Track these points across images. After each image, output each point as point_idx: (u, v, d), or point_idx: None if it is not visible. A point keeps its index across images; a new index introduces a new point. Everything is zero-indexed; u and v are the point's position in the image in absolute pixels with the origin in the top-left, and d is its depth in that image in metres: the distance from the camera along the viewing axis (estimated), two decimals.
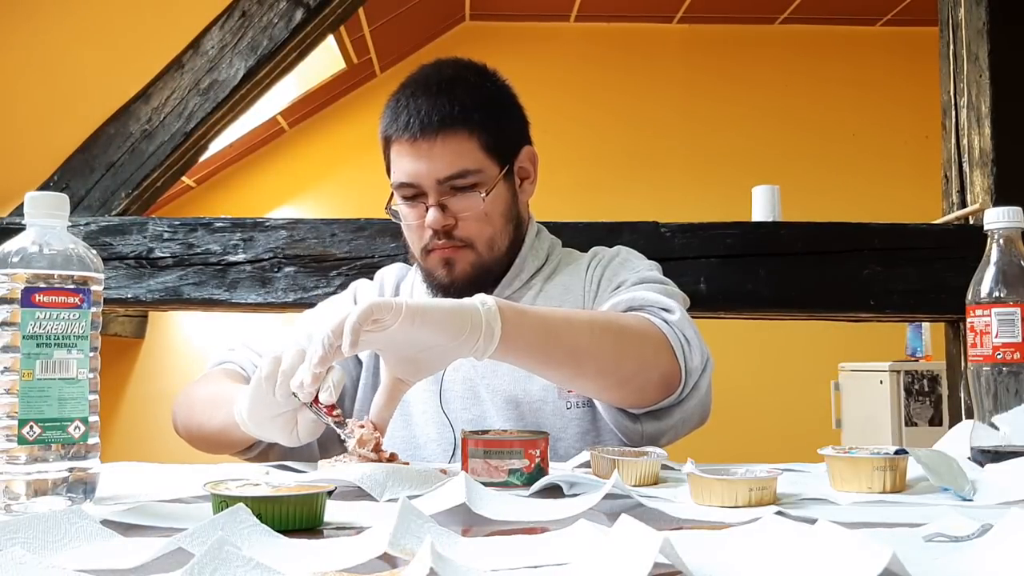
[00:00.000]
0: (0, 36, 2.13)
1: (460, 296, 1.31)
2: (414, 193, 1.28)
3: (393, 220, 1.34)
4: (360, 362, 1.38)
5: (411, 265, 1.49)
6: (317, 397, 0.99)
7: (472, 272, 1.30)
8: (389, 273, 1.47)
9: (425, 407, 1.32)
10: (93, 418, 0.83)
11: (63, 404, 0.81)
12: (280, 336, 1.37)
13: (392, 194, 1.33)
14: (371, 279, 1.50)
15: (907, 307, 2.10)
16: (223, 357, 1.35)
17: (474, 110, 1.27)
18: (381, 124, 1.31)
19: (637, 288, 1.25)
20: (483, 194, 1.27)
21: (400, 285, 1.45)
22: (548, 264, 1.40)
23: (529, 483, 0.93)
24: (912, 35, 4.63)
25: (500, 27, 4.76)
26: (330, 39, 2.85)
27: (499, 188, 1.30)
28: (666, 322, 1.17)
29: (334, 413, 1.00)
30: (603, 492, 0.83)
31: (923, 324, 3.70)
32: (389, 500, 0.87)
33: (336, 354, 0.94)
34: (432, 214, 1.26)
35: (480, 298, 1.01)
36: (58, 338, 0.81)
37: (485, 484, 0.88)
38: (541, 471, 0.97)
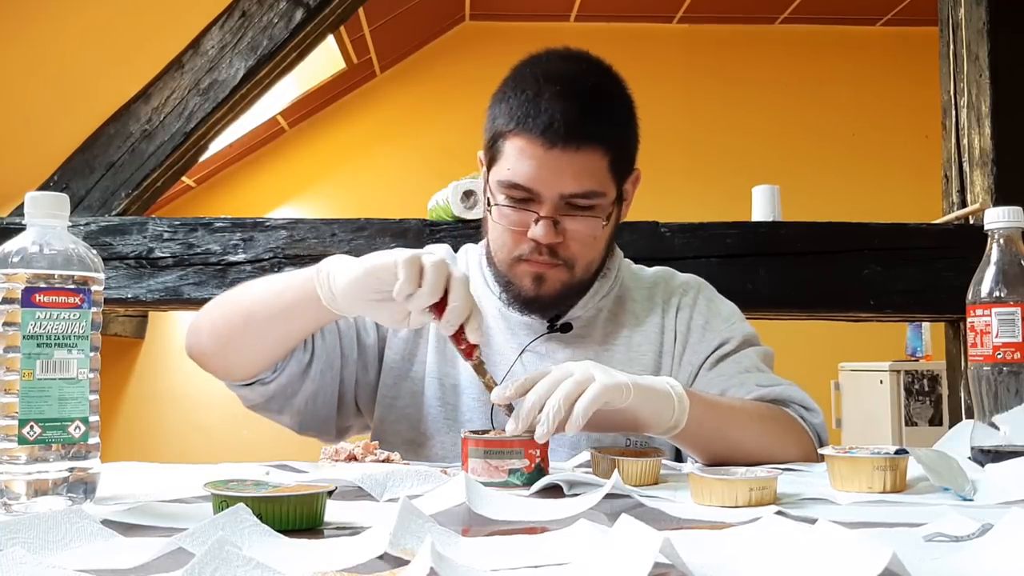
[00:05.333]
0: (0, 36, 2.13)
1: (540, 311, 1.26)
2: (526, 198, 1.18)
3: (487, 215, 1.24)
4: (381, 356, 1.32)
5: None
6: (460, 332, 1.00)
7: (561, 290, 1.24)
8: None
9: (438, 424, 1.28)
10: (93, 418, 0.83)
11: (63, 404, 0.81)
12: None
13: (487, 184, 1.23)
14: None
15: (907, 307, 2.10)
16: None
17: (612, 127, 1.20)
18: (502, 111, 1.19)
19: (749, 356, 1.27)
20: (603, 220, 1.20)
21: None
22: (616, 282, 1.34)
23: (529, 483, 0.93)
24: (912, 35, 4.63)
25: (500, 27, 4.76)
26: (330, 39, 2.85)
27: (614, 213, 1.23)
28: (810, 423, 1.20)
29: (474, 355, 1.00)
30: (603, 492, 0.83)
31: (923, 324, 3.70)
32: (389, 500, 0.87)
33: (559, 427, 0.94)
34: (543, 227, 1.17)
35: (677, 391, 1.02)
36: (58, 338, 0.81)
37: (485, 484, 0.88)
38: (541, 471, 0.96)
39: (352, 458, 1.04)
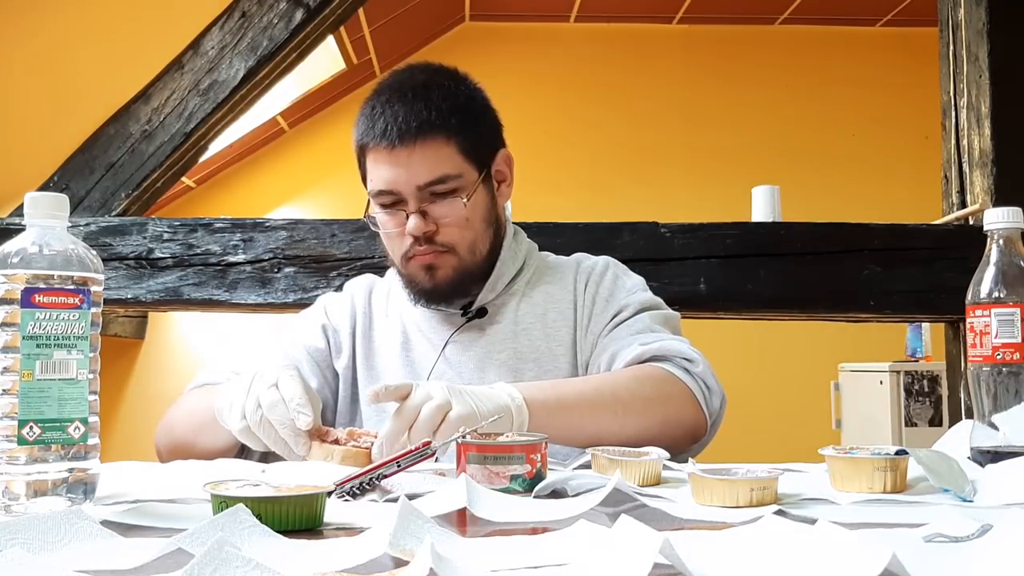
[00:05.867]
0: (1, 37, 2.13)
1: (442, 300, 1.33)
2: (393, 200, 1.28)
3: (372, 228, 1.34)
4: (337, 374, 1.39)
5: (381, 275, 1.49)
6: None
7: (454, 276, 1.31)
8: (358, 287, 1.46)
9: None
10: (93, 419, 0.83)
11: (63, 405, 0.80)
12: (254, 357, 1.36)
13: (368, 202, 1.33)
14: (340, 290, 1.49)
15: (907, 307, 2.11)
16: (198, 381, 1.35)
17: (451, 115, 1.27)
18: (356, 132, 1.31)
19: (643, 320, 1.31)
20: (464, 199, 1.27)
21: (372, 295, 1.44)
22: (527, 268, 1.40)
23: (531, 488, 0.92)
24: (912, 35, 4.63)
25: (500, 27, 4.76)
26: (330, 39, 2.85)
27: (479, 192, 1.30)
28: (689, 373, 1.22)
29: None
30: (605, 492, 0.82)
31: (923, 324, 3.70)
32: (389, 500, 0.87)
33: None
34: (413, 221, 1.26)
35: (513, 398, 1.08)
36: (58, 339, 0.81)
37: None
38: (542, 476, 0.96)
39: (336, 441, 1.04)
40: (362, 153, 1.30)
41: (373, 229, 1.33)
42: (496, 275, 1.36)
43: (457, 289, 1.32)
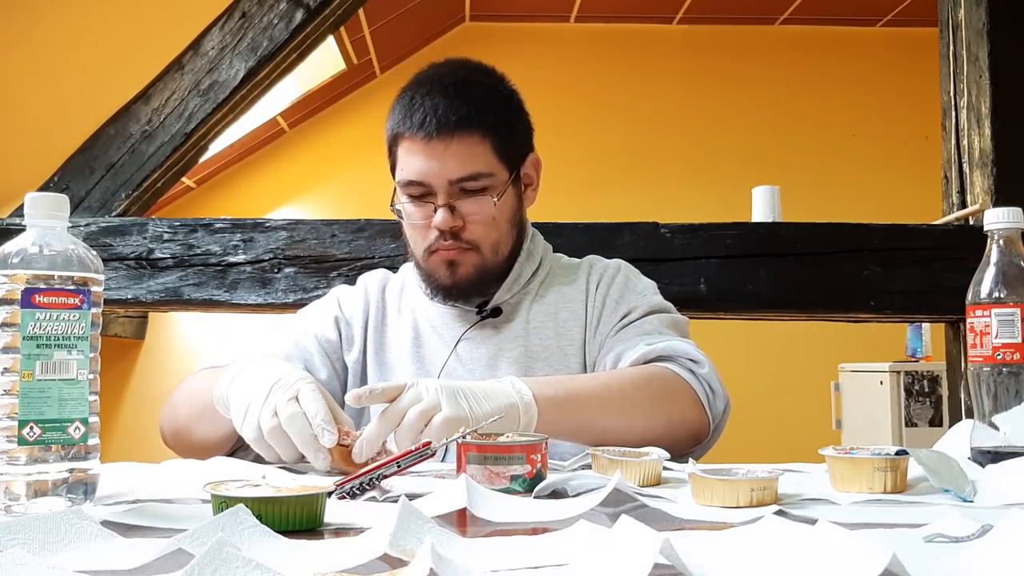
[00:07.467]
0: (0, 37, 2.13)
1: (460, 297, 1.31)
2: (423, 192, 1.28)
3: (397, 218, 1.33)
4: (347, 367, 1.38)
5: (395, 272, 1.48)
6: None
7: (475, 275, 1.30)
8: (372, 280, 1.45)
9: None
10: (93, 419, 0.83)
11: (63, 405, 0.80)
12: (265, 343, 1.35)
13: (395, 191, 1.32)
14: (353, 284, 1.49)
15: (907, 307, 2.10)
16: (207, 363, 1.33)
17: (488, 113, 1.27)
18: (390, 120, 1.30)
19: (651, 322, 1.31)
20: (495, 198, 1.27)
21: (386, 290, 1.43)
22: (541, 269, 1.41)
23: (531, 489, 0.92)
24: (912, 35, 4.63)
25: (500, 27, 4.76)
26: (330, 40, 2.85)
27: (508, 193, 1.30)
28: (694, 374, 1.22)
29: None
30: (605, 492, 0.82)
31: (923, 324, 3.70)
32: (388, 500, 0.87)
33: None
34: (441, 215, 1.26)
35: (521, 394, 1.07)
36: (58, 339, 0.81)
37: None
38: (542, 476, 0.96)
39: None
40: (395, 142, 1.30)
41: (399, 219, 1.33)
42: (514, 276, 1.36)
43: (476, 287, 1.32)
